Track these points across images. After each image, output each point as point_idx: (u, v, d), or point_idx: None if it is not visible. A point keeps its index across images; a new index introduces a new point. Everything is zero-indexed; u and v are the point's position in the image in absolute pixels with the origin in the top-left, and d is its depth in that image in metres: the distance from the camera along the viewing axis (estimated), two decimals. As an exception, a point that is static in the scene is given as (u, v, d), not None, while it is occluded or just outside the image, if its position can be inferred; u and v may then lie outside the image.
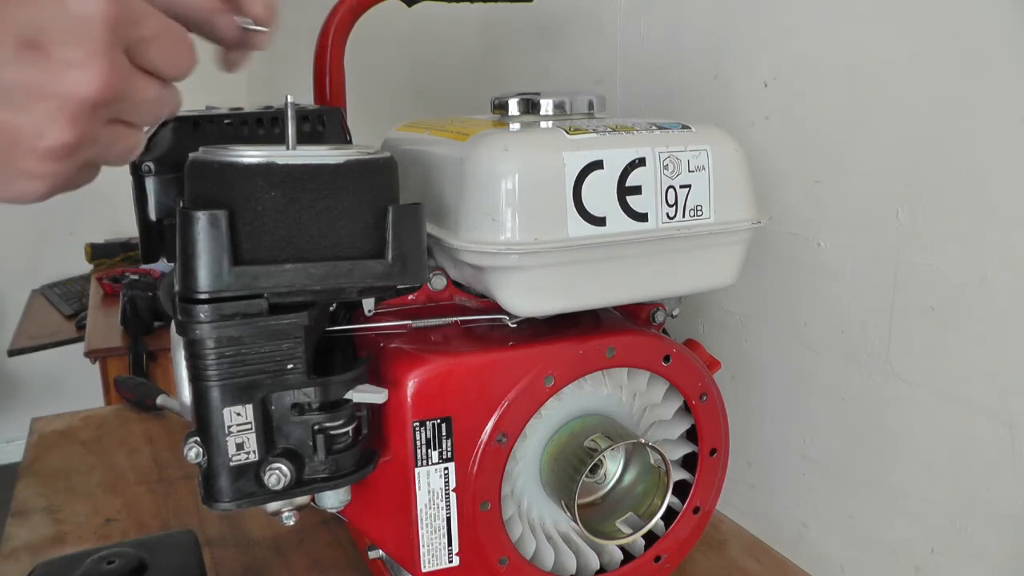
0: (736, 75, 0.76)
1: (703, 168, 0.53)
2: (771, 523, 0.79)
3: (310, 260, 0.43)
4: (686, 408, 0.61)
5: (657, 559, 0.62)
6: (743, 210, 0.55)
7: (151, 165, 0.57)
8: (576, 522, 0.55)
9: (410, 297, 0.59)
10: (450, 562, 0.55)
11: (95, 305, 2.07)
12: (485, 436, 0.53)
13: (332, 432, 0.47)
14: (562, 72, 1.06)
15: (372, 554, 0.62)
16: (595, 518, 0.59)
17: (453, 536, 0.55)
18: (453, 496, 0.54)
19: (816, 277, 0.71)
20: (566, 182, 0.49)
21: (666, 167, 0.52)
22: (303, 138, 0.47)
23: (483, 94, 0.68)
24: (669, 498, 0.58)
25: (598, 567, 0.61)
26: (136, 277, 1.82)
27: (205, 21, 0.44)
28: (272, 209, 0.42)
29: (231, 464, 0.46)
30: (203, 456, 0.46)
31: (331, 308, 0.56)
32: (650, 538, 0.62)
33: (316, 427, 0.47)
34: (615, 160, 0.51)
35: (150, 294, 1.77)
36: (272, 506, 0.50)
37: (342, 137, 0.62)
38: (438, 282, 0.58)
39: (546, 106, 0.58)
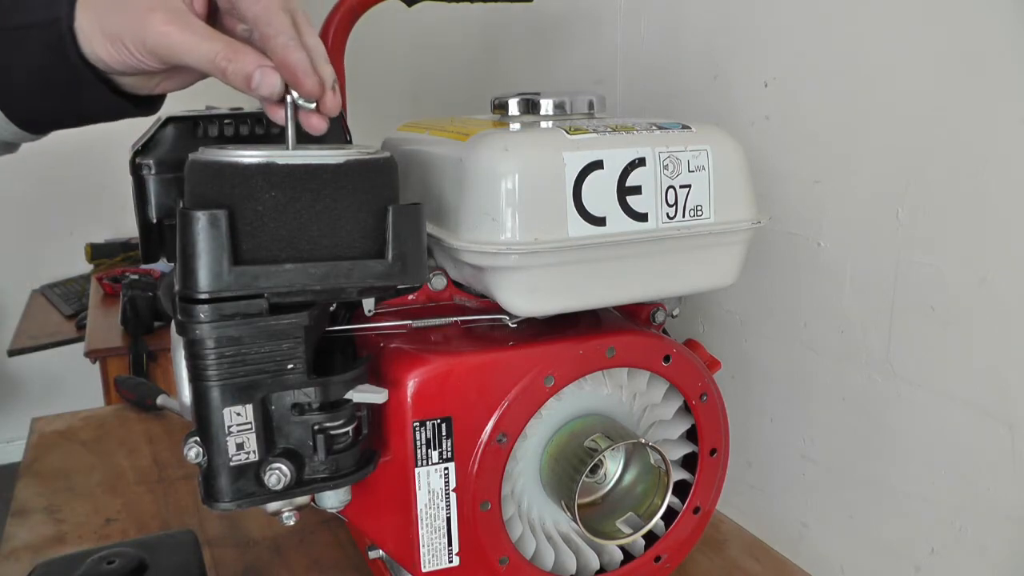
0: (736, 75, 0.76)
1: (703, 168, 0.53)
2: (771, 523, 0.79)
3: (310, 260, 0.43)
4: (686, 408, 0.61)
5: (657, 559, 0.62)
6: (743, 210, 0.55)
7: (151, 165, 0.57)
8: (576, 522, 0.55)
9: (410, 297, 0.59)
10: (450, 562, 0.55)
11: (95, 305, 2.07)
12: (485, 436, 0.53)
13: (332, 432, 0.47)
14: (562, 72, 1.06)
15: (372, 554, 0.62)
16: (595, 518, 0.59)
17: (453, 536, 0.55)
18: (453, 496, 0.54)
19: (816, 277, 0.71)
20: (566, 182, 0.49)
21: (666, 167, 0.52)
22: (303, 138, 0.47)
23: (483, 94, 0.68)
24: (669, 498, 0.58)
25: (598, 567, 0.61)
26: (136, 277, 1.81)
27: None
28: (272, 209, 0.42)
29: (231, 464, 0.46)
30: (203, 456, 0.46)
31: (331, 308, 0.56)
32: (650, 538, 0.62)
33: (316, 427, 0.47)
34: (615, 160, 0.51)
35: (150, 294, 1.77)
36: (272, 506, 0.50)
37: (342, 137, 0.62)
38: (438, 282, 0.58)
39: (546, 106, 0.58)
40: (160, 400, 0.96)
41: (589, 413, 0.58)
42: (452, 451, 0.53)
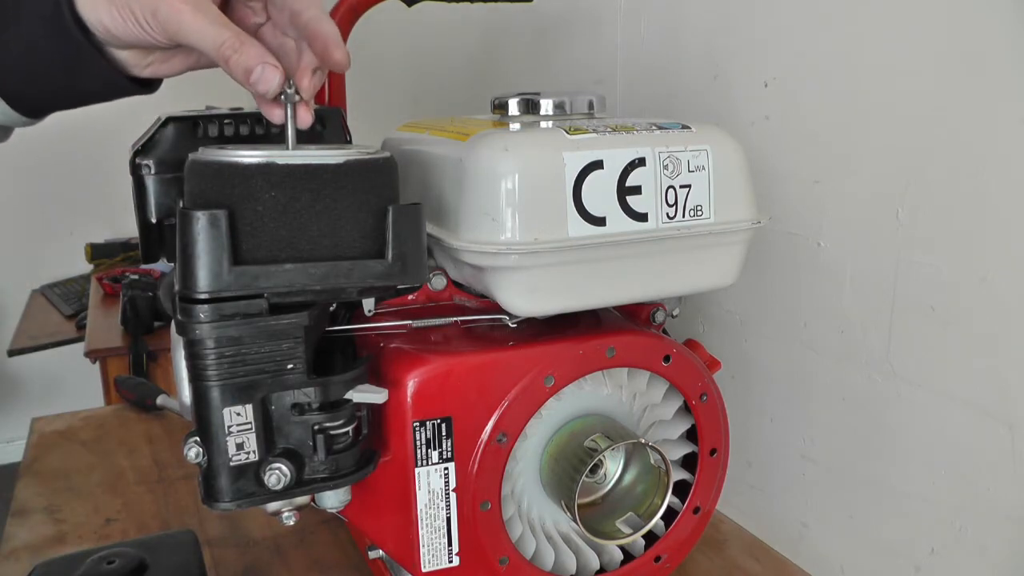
0: (736, 75, 0.76)
1: (703, 168, 0.53)
2: (771, 523, 0.79)
3: (310, 260, 0.43)
4: (686, 408, 0.61)
5: (657, 559, 0.62)
6: (743, 210, 0.55)
7: (151, 165, 0.57)
8: (576, 522, 0.55)
9: (410, 297, 0.59)
10: (450, 562, 0.55)
11: (95, 305, 2.07)
12: (485, 436, 0.53)
13: (332, 432, 0.47)
14: (562, 72, 1.06)
15: (372, 554, 0.62)
16: (595, 518, 0.59)
17: (453, 536, 0.55)
18: (453, 496, 0.54)
19: (816, 277, 0.71)
20: (566, 182, 0.49)
21: (666, 167, 0.52)
22: (303, 138, 0.47)
23: (483, 94, 0.68)
24: (669, 498, 0.58)
25: (598, 567, 0.61)
26: (136, 277, 1.81)
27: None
28: (272, 209, 0.42)
29: (231, 464, 0.45)
30: (203, 456, 0.46)
31: (331, 308, 0.56)
32: (650, 538, 0.62)
33: (316, 427, 0.47)
34: (615, 160, 0.51)
35: (150, 294, 1.77)
36: (272, 506, 0.50)
37: (342, 137, 0.62)
38: (438, 282, 0.58)
39: (546, 106, 0.58)
40: (160, 400, 0.96)
41: (589, 413, 0.58)
42: (452, 451, 0.53)
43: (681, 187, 0.52)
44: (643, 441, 0.56)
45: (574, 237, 0.50)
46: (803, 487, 0.75)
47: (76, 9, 0.44)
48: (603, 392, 0.58)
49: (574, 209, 0.50)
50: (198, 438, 0.46)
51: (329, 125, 0.61)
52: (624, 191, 0.51)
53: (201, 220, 0.41)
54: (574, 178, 0.49)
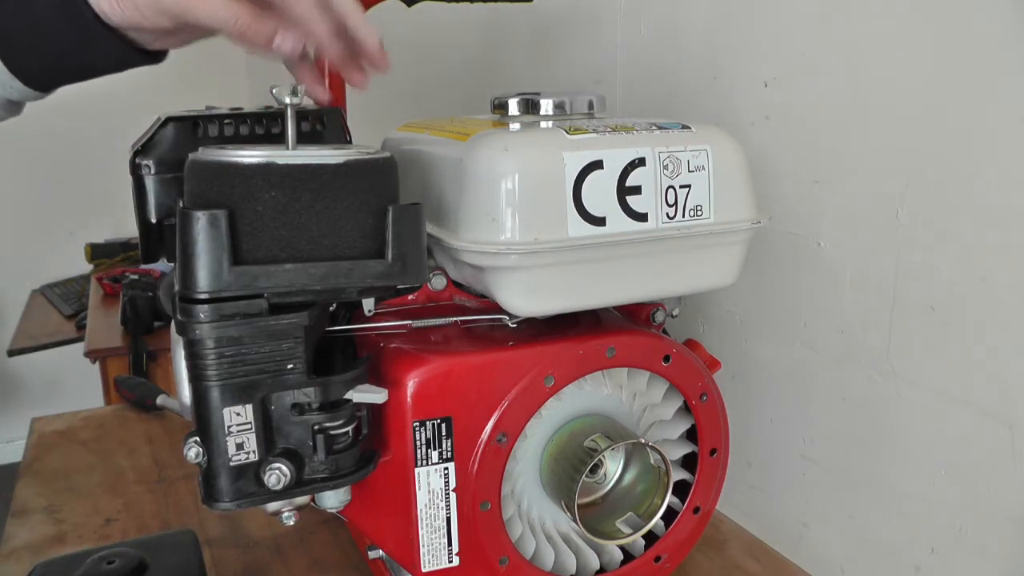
0: (736, 75, 0.76)
1: (703, 168, 0.53)
2: (771, 523, 0.79)
3: (310, 260, 0.43)
4: (686, 408, 0.61)
5: (657, 559, 0.62)
6: (743, 210, 0.55)
7: (151, 165, 0.57)
8: (576, 522, 0.55)
9: (410, 297, 0.59)
10: (450, 562, 0.55)
11: (95, 305, 2.07)
12: (485, 436, 0.53)
13: (332, 432, 0.47)
14: (562, 72, 1.06)
15: (372, 554, 0.62)
16: (595, 518, 0.59)
17: (453, 536, 0.55)
18: (453, 496, 0.54)
19: (816, 277, 0.71)
20: (566, 182, 0.49)
21: (666, 167, 0.52)
22: (303, 138, 0.47)
23: (483, 94, 0.68)
24: (669, 498, 0.58)
25: (598, 567, 0.61)
26: (136, 277, 1.81)
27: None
28: (272, 209, 0.42)
29: (231, 464, 0.46)
30: (203, 456, 0.46)
31: (331, 308, 0.56)
32: (650, 538, 0.62)
33: (316, 427, 0.47)
34: (615, 160, 0.51)
35: (150, 294, 1.77)
36: (272, 506, 0.50)
37: (342, 137, 0.62)
38: (438, 282, 0.58)
39: (546, 106, 0.58)
40: (160, 400, 0.96)
41: (589, 413, 0.58)
42: (452, 451, 0.53)
43: (681, 187, 0.52)
44: (643, 441, 0.56)
45: (574, 237, 0.50)
46: (803, 487, 0.75)
47: None
48: (603, 392, 0.58)
49: (574, 209, 0.50)
50: (198, 438, 0.46)
51: (329, 125, 0.61)
52: (624, 191, 0.51)
53: (201, 220, 0.41)
54: (574, 178, 0.49)
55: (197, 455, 0.46)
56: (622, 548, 0.62)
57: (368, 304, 0.56)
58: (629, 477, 0.61)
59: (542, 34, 1.09)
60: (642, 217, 0.51)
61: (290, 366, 0.46)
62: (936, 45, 0.58)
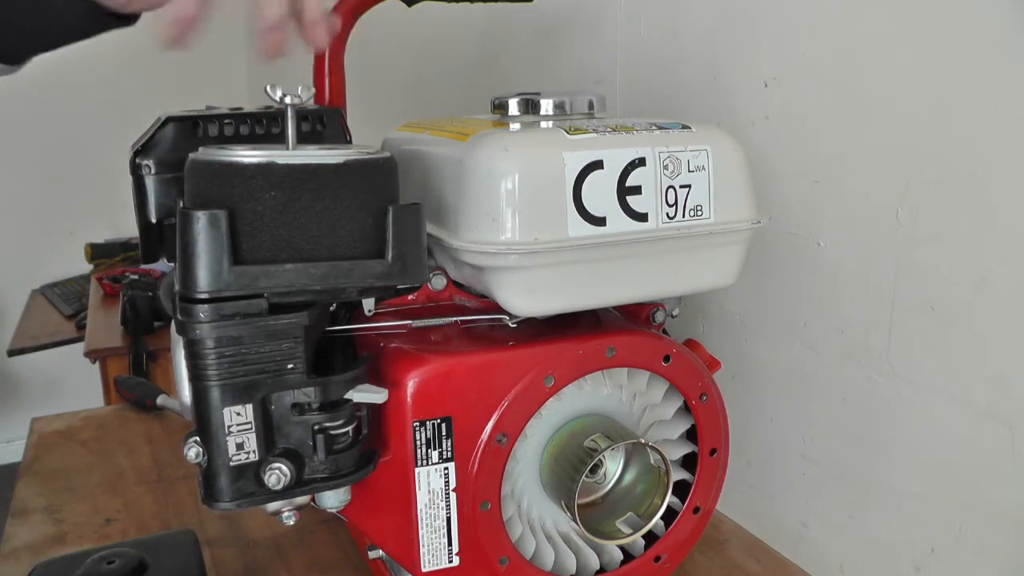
0: (736, 75, 0.76)
1: (703, 168, 0.53)
2: (771, 523, 0.79)
3: (310, 260, 0.43)
4: (686, 408, 0.61)
5: (657, 559, 0.62)
6: (743, 210, 0.55)
7: (151, 165, 0.57)
8: (576, 522, 0.55)
9: (410, 297, 0.59)
10: (450, 562, 0.55)
11: (95, 305, 2.07)
12: (485, 436, 0.53)
13: (332, 432, 0.47)
14: (562, 72, 1.06)
15: (372, 554, 0.62)
16: (595, 518, 0.59)
17: (453, 536, 0.55)
18: (453, 496, 0.54)
19: (816, 277, 0.71)
20: (566, 182, 0.49)
21: (666, 167, 0.52)
22: (303, 138, 0.47)
23: (483, 94, 0.68)
24: (669, 498, 0.58)
25: (598, 567, 0.61)
26: (136, 277, 1.82)
27: None
28: (272, 209, 0.42)
29: (231, 464, 0.46)
30: (203, 456, 0.46)
31: (331, 308, 0.56)
32: (650, 538, 0.62)
33: (316, 427, 0.47)
34: (615, 160, 0.51)
35: (150, 294, 1.77)
36: (272, 506, 0.50)
37: (342, 137, 0.62)
38: (438, 282, 0.58)
39: (546, 106, 0.58)
40: (160, 400, 0.96)
41: (589, 413, 0.58)
42: (452, 451, 0.53)
43: (681, 187, 0.52)
44: (643, 441, 0.56)
45: (574, 237, 0.50)
46: (803, 487, 0.75)
47: None
48: (603, 392, 0.58)
49: (574, 209, 0.50)
50: (198, 438, 0.46)
51: (329, 125, 0.61)
52: (624, 191, 0.51)
53: (201, 220, 0.41)
54: (574, 178, 0.50)
55: (197, 455, 0.46)
56: (622, 548, 0.62)
57: (368, 304, 0.56)
58: (629, 477, 0.61)
59: (542, 34, 1.09)
60: (642, 217, 0.51)
61: (290, 366, 0.46)
62: (936, 45, 0.58)
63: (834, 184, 0.68)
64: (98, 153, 2.33)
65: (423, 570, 0.55)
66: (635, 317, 0.62)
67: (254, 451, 0.46)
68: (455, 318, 0.57)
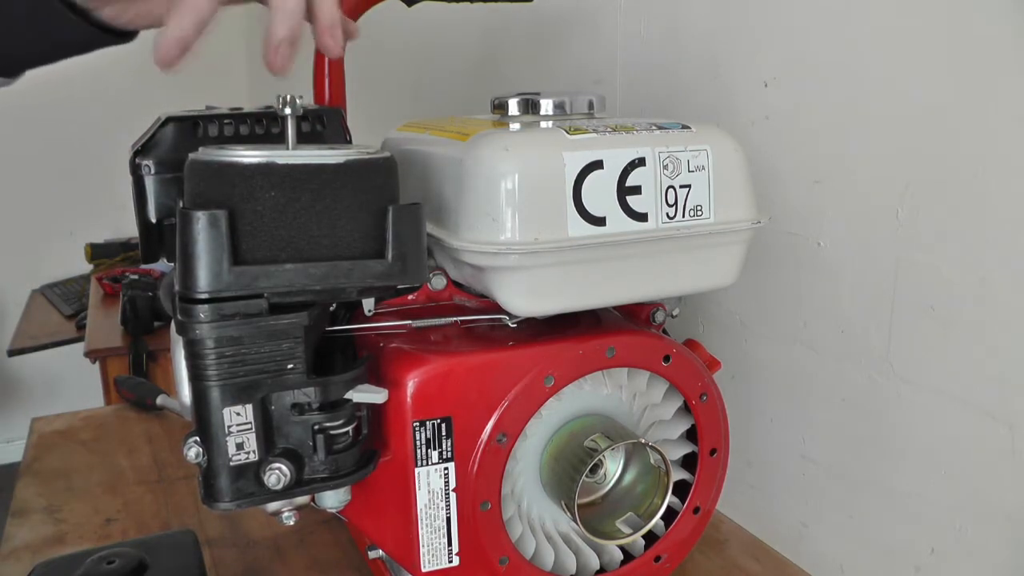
0: (736, 75, 0.76)
1: (703, 168, 0.53)
2: (771, 523, 0.79)
3: (310, 260, 0.43)
4: (686, 408, 0.61)
5: (657, 559, 0.62)
6: (743, 210, 0.55)
7: (151, 165, 0.57)
8: (576, 522, 0.55)
9: (410, 297, 0.59)
10: (450, 562, 0.55)
11: (95, 305, 2.07)
12: (485, 436, 0.53)
13: (332, 432, 0.47)
14: (562, 72, 1.06)
15: (372, 554, 0.62)
16: (595, 518, 0.59)
17: (453, 536, 0.55)
18: (453, 496, 0.54)
19: (816, 277, 0.71)
20: (566, 182, 0.49)
21: (666, 167, 0.52)
22: (303, 138, 0.47)
23: (483, 94, 0.68)
24: (669, 498, 0.58)
25: (598, 567, 0.61)
26: (136, 277, 1.82)
27: None
28: (272, 209, 0.42)
29: (231, 464, 0.45)
30: (203, 456, 0.46)
31: (331, 308, 0.56)
32: (650, 538, 0.62)
33: (316, 427, 0.47)
34: (615, 160, 0.51)
35: (150, 294, 1.77)
36: (272, 506, 0.50)
37: (342, 137, 0.62)
38: (438, 282, 0.58)
39: (546, 106, 0.58)
40: (160, 400, 0.96)
41: (589, 413, 0.58)
42: (452, 451, 0.53)
43: (681, 187, 0.52)
44: (643, 441, 0.56)
45: (574, 237, 0.50)
46: (803, 487, 0.75)
47: None
48: (603, 392, 0.58)
49: (574, 209, 0.50)
50: (198, 438, 0.46)
51: (329, 125, 0.61)
52: (624, 191, 0.51)
53: (201, 220, 0.41)
54: (574, 178, 0.50)
55: (197, 455, 0.46)
56: (622, 548, 0.62)
57: (368, 304, 0.56)
58: (629, 477, 0.61)
59: (542, 34, 1.09)
60: (642, 217, 0.51)
61: (290, 366, 0.46)
62: (936, 45, 0.58)
63: (834, 184, 0.68)
64: (98, 153, 2.33)
65: (423, 570, 0.55)
66: (635, 317, 0.62)
67: (254, 451, 0.46)
68: (455, 318, 0.57)
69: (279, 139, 0.48)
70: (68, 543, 0.77)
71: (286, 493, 0.47)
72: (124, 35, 0.49)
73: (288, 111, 0.45)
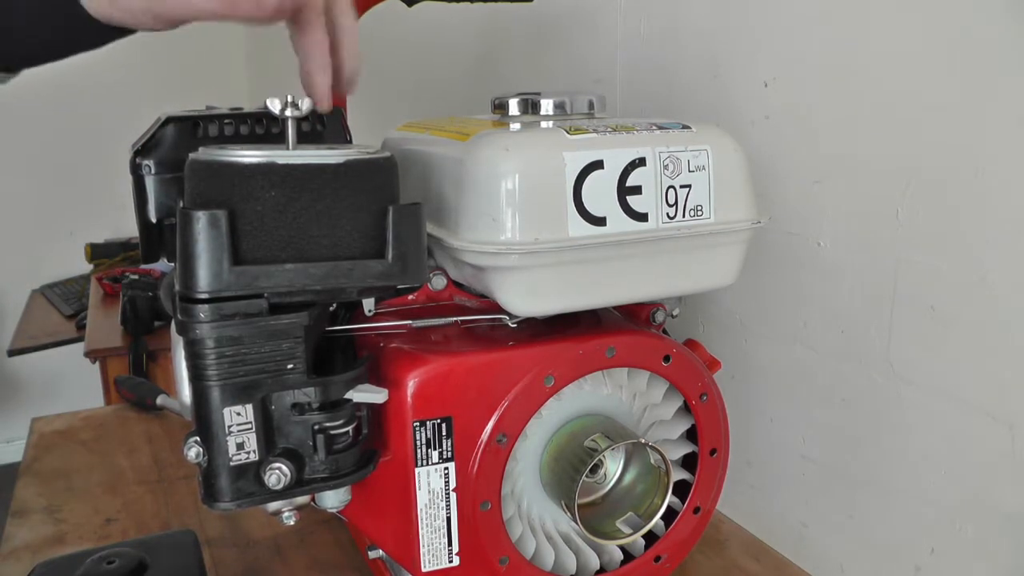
0: (736, 75, 0.76)
1: (703, 168, 0.53)
2: (771, 523, 0.79)
3: (310, 260, 0.43)
4: (686, 408, 0.61)
5: (657, 559, 0.62)
6: (743, 210, 0.55)
7: (151, 165, 0.57)
8: (576, 522, 0.55)
9: (410, 297, 0.59)
10: (450, 562, 0.55)
11: (95, 305, 2.07)
12: (485, 436, 0.53)
13: (332, 432, 0.47)
14: (562, 72, 1.06)
15: (372, 554, 0.62)
16: (595, 518, 0.59)
17: (453, 536, 0.55)
18: (453, 496, 0.54)
19: (816, 277, 0.71)
20: (566, 182, 0.49)
21: (666, 167, 0.52)
22: (303, 138, 0.47)
23: (483, 94, 0.68)
24: (669, 498, 0.58)
25: (598, 567, 0.61)
26: (136, 277, 1.82)
27: None
28: (272, 209, 0.42)
29: (231, 464, 0.45)
30: (203, 456, 0.46)
31: (331, 308, 0.56)
32: (650, 538, 0.62)
33: (316, 427, 0.47)
34: (615, 160, 0.51)
35: (150, 294, 1.77)
36: (272, 506, 0.50)
37: (342, 137, 0.62)
38: (438, 282, 0.58)
39: (546, 106, 0.58)
40: (160, 400, 0.96)
41: (589, 413, 0.58)
42: (452, 451, 0.53)
43: (681, 187, 0.52)
44: (643, 441, 0.56)
45: (574, 237, 0.50)
46: (803, 487, 0.75)
47: None
48: (603, 392, 0.58)
49: (574, 209, 0.50)
50: (198, 438, 0.46)
51: (329, 125, 0.61)
52: (624, 191, 0.51)
53: (201, 220, 0.41)
54: (574, 178, 0.50)
55: (197, 455, 0.46)
56: (622, 548, 0.62)
57: (368, 304, 0.56)
58: (629, 477, 0.61)
59: (542, 34, 1.09)
60: (642, 217, 0.51)
61: (290, 366, 0.46)
62: (936, 45, 0.58)
63: (834, 184, 0.68)
64: (98, 153, 2.33)
65: (423, 570, 0.55)
66: (635, 317, 0.62)
67: (254, 451, 0.46)
68: (455, 318, 0.57)
69: (279, 139, 0.48)
70: (68, 543, 0.77)
71: (286, 493, 0.47)
72: (127, 29, 0.49)
73: (288, 112, 0.45)
